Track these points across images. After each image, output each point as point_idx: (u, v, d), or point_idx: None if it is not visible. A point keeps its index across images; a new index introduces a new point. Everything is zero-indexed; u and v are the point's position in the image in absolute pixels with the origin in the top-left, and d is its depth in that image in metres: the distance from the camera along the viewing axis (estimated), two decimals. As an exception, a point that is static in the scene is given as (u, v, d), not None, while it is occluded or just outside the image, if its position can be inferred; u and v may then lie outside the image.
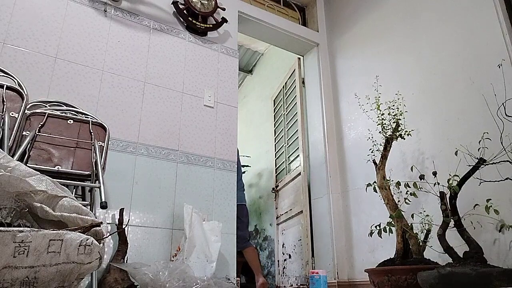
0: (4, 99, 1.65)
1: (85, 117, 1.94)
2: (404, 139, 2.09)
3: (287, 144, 3.74)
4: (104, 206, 1.46)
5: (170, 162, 2.31)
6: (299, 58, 3.66)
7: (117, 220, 1.94)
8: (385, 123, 2.10)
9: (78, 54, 2.20)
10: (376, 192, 2.02)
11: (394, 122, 2.08)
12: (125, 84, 2.31)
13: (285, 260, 3.49)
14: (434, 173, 1.81)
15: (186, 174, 2.34)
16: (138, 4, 2.55)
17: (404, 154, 2.41)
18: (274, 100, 4.27)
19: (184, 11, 2.68)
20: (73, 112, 1.98)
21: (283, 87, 3.98)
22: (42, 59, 2.08)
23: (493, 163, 1.63)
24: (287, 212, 3.53)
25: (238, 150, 3.74)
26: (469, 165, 1.66)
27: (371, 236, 1.90)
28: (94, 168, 1.67)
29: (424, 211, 1.90)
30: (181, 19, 2.69)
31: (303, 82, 3.62)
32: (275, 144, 4.09)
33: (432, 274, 1.46)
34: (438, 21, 2.38)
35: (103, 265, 1.84)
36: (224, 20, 2.82)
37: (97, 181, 1.61)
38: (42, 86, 2.03)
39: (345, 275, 2.73)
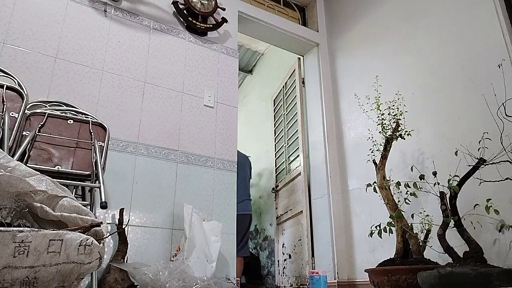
0: (4, 99, 1.65)
1: (85, 117, 1.94)
2: (404, 139, 2.09)
3: (287, 144, 3.73)
4: (104, 206, 1.47)
5: (170, 162, 2.31)
6: (299, 58, 3.66)
7: (117, 220, 1.94)
8: (385, 123, 2.10)
9: (78, 54, 2.20)
10: (376, 192, 2.02)
11: (394, 122, 2.08)
12: (125, 84, 2.31)
13: (285, 260, 3.49)
14: (434, 173, 1.81)
15: (186, 174, 2.34)
16: (138, 4, 2.55)
17: (404, 154, 2.41)
18: (274, 100, 4.27)
19: (184, 11, 2.68)
20: (73, 112, 1.98)
21: (283, 87, 3.97)
22: (42, 59, 2.08)
23: (493, 163, 1.62)
24: (287, 212, 3.53)
25: (250, 162, 3.66)
26: (469, 165, 1.66)
27: (371, 236, 1.90)
28: (94, 168, 1.67)
29: (424, 211, 1.90)
30: (181, 19, 2.69)
31: (303, 82, 3.62)
32: (275, 144, 4.09)
33: (432, 274, 1.46)
34: (438, 21, 2.38)
35: (103, 265, 1.84)
36: (224, 20, 2.82)
37: (97, 181, 1.61)
38: (42, 86, 2.03)
39: (345, 275, 2.73)
